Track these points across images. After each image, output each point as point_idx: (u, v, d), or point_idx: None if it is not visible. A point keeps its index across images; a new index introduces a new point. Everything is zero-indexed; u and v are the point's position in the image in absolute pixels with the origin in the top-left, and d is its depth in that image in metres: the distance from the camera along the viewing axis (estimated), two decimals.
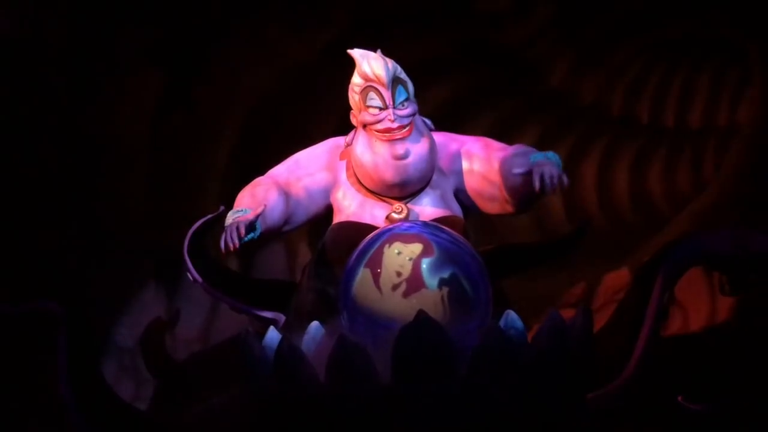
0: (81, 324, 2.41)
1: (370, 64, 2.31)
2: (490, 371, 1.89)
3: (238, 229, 2.13)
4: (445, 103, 4.79)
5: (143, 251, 3.65)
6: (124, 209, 3.66)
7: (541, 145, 5.02)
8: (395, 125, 2.26)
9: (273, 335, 2.06)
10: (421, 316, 1.90)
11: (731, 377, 2.53)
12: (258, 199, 2.33)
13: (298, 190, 2.42)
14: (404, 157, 2.28)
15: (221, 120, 4.07)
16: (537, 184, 2.12)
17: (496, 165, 2.37)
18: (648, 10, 4.44)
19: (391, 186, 2.32)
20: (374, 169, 2.32)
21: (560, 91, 4.85)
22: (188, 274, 2.49)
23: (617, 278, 3.95)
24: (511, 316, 2.12)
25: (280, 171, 2.46)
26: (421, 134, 2.32)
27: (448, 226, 2.24)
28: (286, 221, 2.40)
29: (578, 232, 2.81)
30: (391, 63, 2.33)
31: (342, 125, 2.54)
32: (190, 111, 3.95)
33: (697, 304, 3.25)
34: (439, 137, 2.43)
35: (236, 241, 2.12)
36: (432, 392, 1.86)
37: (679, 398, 2.35)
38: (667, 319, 2.81)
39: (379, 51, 2.36)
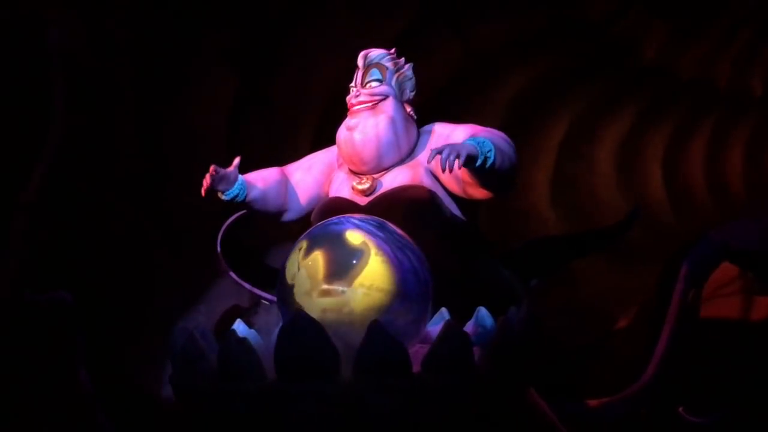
0: (96, 316, 2.48)
1: (362, 52, 2.53)
2: (371, 373, 1.77)
3: (211, 172, 2.33)
4: (532, 86, 4.57)
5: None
6: (199, 207, 3.70)
7: (638, 127, 4.74)
8: (354, 100, 2.47)
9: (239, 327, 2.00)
10: (300, 314, 1.77)
11: (756, 385, 2.23)
12: (255, 173, 2.52)
13: (299, 178, 2.57)
14: (353, 128, 2.42)
15: (297, 118, 4.07)
16: (436, 166, 2.26)
17: None
18: None
19: (346, 157, 2.45)
20: (337, 139, 2.48)
21: (656, 67, 4.48)
22: (221, 265, 2.54)
23: (721, 271, 3.57)
24: (482, 313, 2.00)
25: (295, 162, 2.62)
26: (385, 116, 2.44)
27: (409, 195, 2.31)
28: (285, 203, 2.55)
29: (627, 221, 2.58)
30: (377, 52, 2.54)
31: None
32: (266, 110, 4.00)
33: (727, 305, 2.88)
34: (434, 126, 2.52)
35: (207, 182, 2.32)
36: (311, 392, 1.79)
37: (680, 409, 2.09)
38: (696, 321, 2.51)
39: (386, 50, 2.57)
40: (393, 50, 2.59)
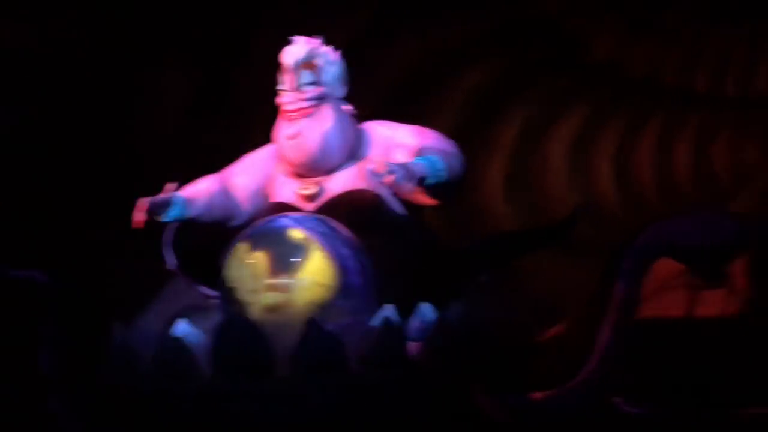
0: (71, 296, 2.43)
1: (285, 51, 2.45)
2: (308, 370, 1.76)
3: (148, 204, 2.31)
4: (488, 83, 4.62)
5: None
6: None
7: (592, 125, 4.84)
8: (290, 107, 2.39)
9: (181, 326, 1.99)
10: (235, 314, 1.80)
11: (692, 377, 2.32)
12: (192, 187, 2.50)
13: (239, 183, 2.52)
14: (293, 136, 2.37)
15: (255, 114, 4.05)
16: (379, 180, 2.23)
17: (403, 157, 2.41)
18: None
19: (293, 165, 2.40)
20: (279, 148, 2.44)
21: (607, 64, 4.56)
22: (169, 264, 2.51)
23: (665, 265, 3.66)
24: (423, 308, 2.05)
25: (231, 167, 2.58)
26: (326, 121, 2.39)
27: (356, 200, 2.31)
28: (230, 212, 2.50)
29: (573, 217, 2.64)
30: (305, 48, 2.44)
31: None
32: (224, 107, 3.99)
33: (669, 298, 2.97)
34: (376, 124, 2.50)
35: (140, 217, 2.30)
36: (246, 390, 1.80)
37: (618, 400, 2.16)
38: (636, 315, 2.58)
39: (311, 39, 2.48)
40: (320, 40, 2.49)
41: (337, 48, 2.53)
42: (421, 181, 2.22)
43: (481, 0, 4.30)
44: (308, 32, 3.37)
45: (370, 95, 4.16)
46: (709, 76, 4.67)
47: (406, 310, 2.02)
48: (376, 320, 1.99)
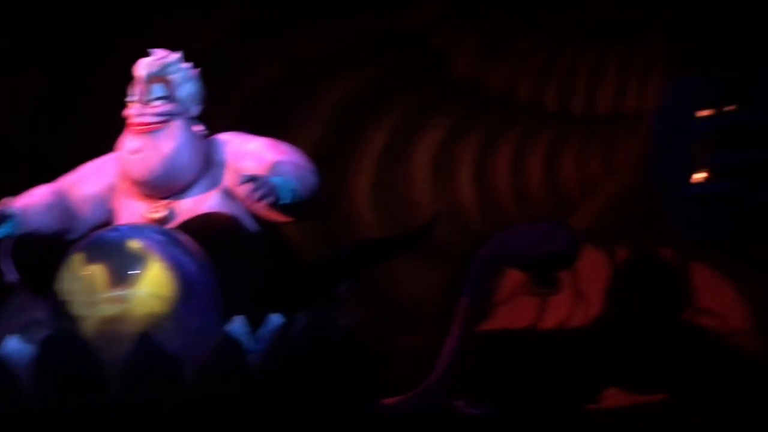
0: None
1: (139, 62, 2.37)
2: (142, 385, 1.80)
3: None
4: (354, 94, 4.72)
5: None
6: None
7: (452, 135, 5.06)
8: (137, 119, 2.30)
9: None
10: (60, 329, 1.82)
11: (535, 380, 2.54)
12: (26, 199, 2.37)
13: (78, 194, 2.42)
14: (136, 152, 2.29)
15: (105, 123, 3.95)
16: (245, 194, 2.19)
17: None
18: None
19: (134, 182, 2.32)
20: (121, 164, 2.35)
21: (467, 81, 4.79)
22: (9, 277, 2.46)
23: (516, 274, 3.89)
24: (272, 319, 2.06)
25: (69, 176, 2.47)
26: (173, 140, 2.31)
27: (210, 224, 2.23)
28: (69, 225, 2.39)
29: (427, 226, 2.77)
30: (160, 62, 2.35)
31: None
32: (73, 115, 3.86)
33: (519, 305, 3.24)
34: (227, 137, 2.44)
35: None
36: (74, 407, 1.81)
37: (460, 402, 2.34)
38: (483, 321, 2.79)
39: (166, 52, 2.40)
40: (177, 55, 2.41)
41: (198, 57, 2.46)
42: (274, 201, 2.19)
43: (347, 11, 4.37)
44: (168, 42, 3.35)
45: (233, 105, 4.18)
46: (558, 96, 5.01)
47: (260, 322, 2.03)
48: (218, 332, 1.98)
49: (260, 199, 2.14)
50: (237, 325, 2.01)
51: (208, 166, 2.37)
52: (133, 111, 2.35)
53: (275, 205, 2.21)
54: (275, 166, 2.26)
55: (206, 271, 1.95)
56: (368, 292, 3.21)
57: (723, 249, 3.45)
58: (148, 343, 1.72)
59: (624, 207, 4.04)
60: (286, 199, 2.20)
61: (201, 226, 2.22)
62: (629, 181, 4.15)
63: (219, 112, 3.77)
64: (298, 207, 2.27)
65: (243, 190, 2.18)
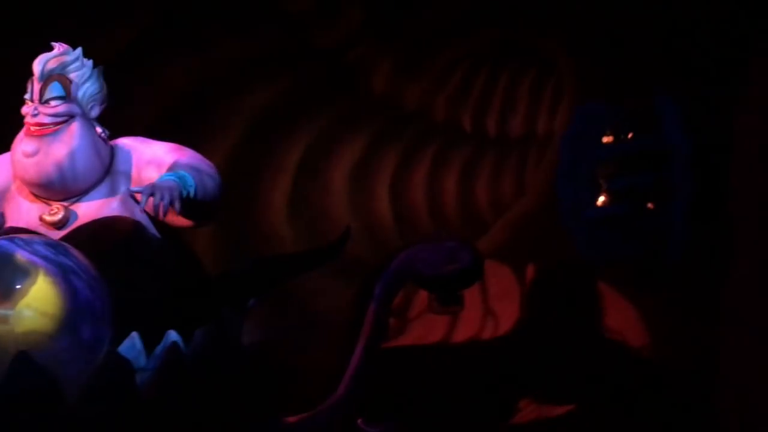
0: None
1: (38, 58, 2.22)
2: (19, 405, 1.78)
3: None
4: (272, 106, 4.70)
5: None
6: None
7: (369, 151, 5.10)
8: (32, 120, 2.18)
9: None
10: None
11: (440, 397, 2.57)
12: None
13: None
14: (31, 155, 2.18)
15: (15, 126, 3.82)
16: (143, 205, 2.12)
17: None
18: (464, 16, 4.48)
19: (28, 185, 2.21)
20: (14, 165, 2.23)
21: (384, 98, 4.83)
22: None
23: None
24: (169, 336, 2.02)
25: None
26: (71, 142, 2.21)
27: (110, 229, 2.17)
28: None
29: (339, 242, 2.77)
30: (60, 59, 2.22)
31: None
32: None
33: (426, 321, 3.30)
34: (132, 142, 2.35)
35: None
36: None
37: (360, 420, 2.35)
38: (394, 337, 2.82)
39: (66, 47, 2.26)
40: (78, 51, 2.26)
41: (106, 62, 2.32)
42: (171, 200, 2.07)
43: (264, 23, 4.34)
44: (75, 41, 3.22)
45: (145, 114, 4.08)
46: (473, 116, 5.12)
47: (158, 339, 1.98)
48: (109, 350, 1.90)
49: (159, 202, 2.05)
50: (129, 342, 1.95)
51: (109, 171, 2.27)
52: (28, 111, 2.22)
53: (173, 206, 2.09)
54: (172, 166, 2.18)
55: (98, 287, 1.87)
56: (277, 307, 3.20)
57: (623, 269, 3.59)
58: (29, 362, 1.64)
59: (533, 227, 4.15)
60: (183, 194, 2.08)
61: (99, 232, 2.15)
62: (539, 202, 4.27)
63: (130, 120, 3.71)
64: (197, 209, 2.18)
65: (141, 199, 2.09)
